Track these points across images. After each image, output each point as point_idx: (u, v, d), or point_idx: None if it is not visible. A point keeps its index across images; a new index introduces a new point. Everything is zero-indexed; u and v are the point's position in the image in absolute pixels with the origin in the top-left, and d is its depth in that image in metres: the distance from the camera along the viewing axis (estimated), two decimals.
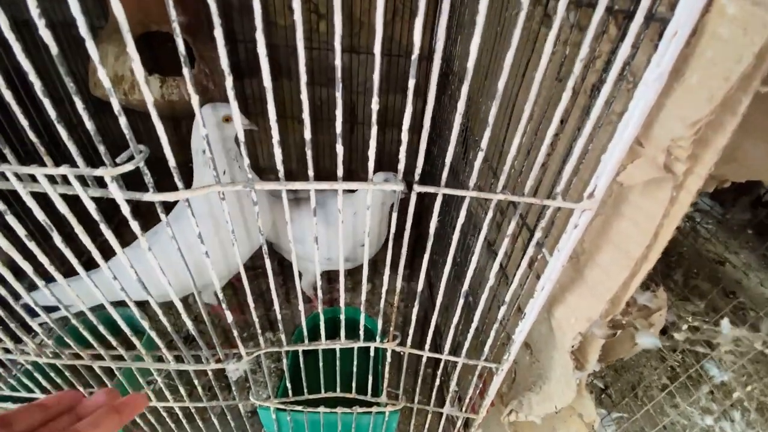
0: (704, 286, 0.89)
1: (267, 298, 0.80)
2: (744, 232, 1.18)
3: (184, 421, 0.49)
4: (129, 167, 0.22)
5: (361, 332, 0.40)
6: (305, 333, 0.39)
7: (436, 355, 0.41)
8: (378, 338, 0.41)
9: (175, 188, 0.25)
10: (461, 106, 0.23)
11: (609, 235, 0.30)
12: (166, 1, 0.19)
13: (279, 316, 0.36)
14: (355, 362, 0.43)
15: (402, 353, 0.42)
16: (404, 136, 0.25)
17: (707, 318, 0.45)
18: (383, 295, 0.35)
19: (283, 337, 0.40)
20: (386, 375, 0.44)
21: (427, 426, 0.50)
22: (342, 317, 0.38)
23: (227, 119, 0.64)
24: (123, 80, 0.75)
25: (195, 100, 0.23)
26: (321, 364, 0.43)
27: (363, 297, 0.37)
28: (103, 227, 0.25)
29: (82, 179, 0.23)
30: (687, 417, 0.63)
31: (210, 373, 0.43)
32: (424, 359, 0.42)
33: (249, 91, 1.03)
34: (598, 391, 0.63)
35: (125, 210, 0.24)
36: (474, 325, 0.38)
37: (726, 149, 0.31)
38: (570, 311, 0.34)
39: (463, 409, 0.47)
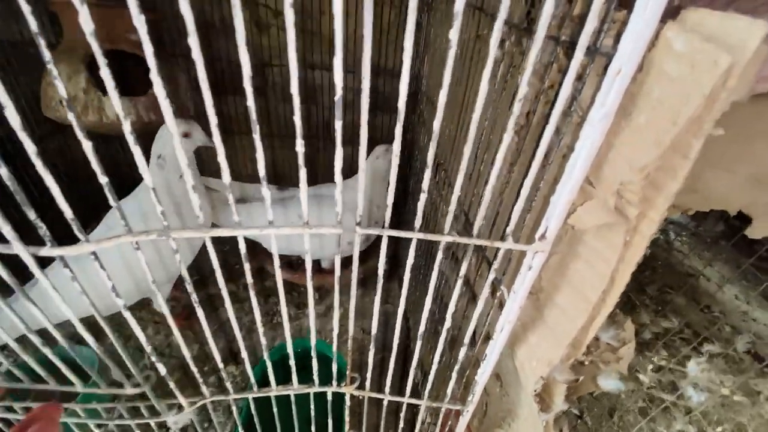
0: (679, 300, 0.89)
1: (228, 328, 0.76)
2: (717, 244, 1.19)
3: None
4: None
5: (315, 378, 0.37)
6: (253, 381, 0.36)
7: (398, 399, 0.39)
8: (335, 382, 0.38)
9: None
10: (427, 173, 0.21)
11: (566, 275, 0.28)
12: (133, 17, 0.16)
13: (244, 353, 0.33)
14: (312, 407, 0.40)
15: (361, 397, 0.39)
16: (361, 184, 0.22)
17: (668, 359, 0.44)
18: (350, 334, 0.32)
19: (229, 385, 0.36)
20: (347, 419, 0.41)
21: None
22: (292, 359, 0.35)
23: (186, 134, 0.68)
24: (75, 101, 0.71)
25: (170, 117, 0.20)
26: (275, 410, 0.40)
27: (335, 333, 0.34)
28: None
29: None
30: None
31: (154, 426, 0.39)
32: (385, 402, 0.39)
33: (226, 108, 1.00)
34: (574, 418, 0.61)
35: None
36: (434, 368, 0.35)
37: (687, 180, 0.30)
38: (531, 352, 0.32)
39: None
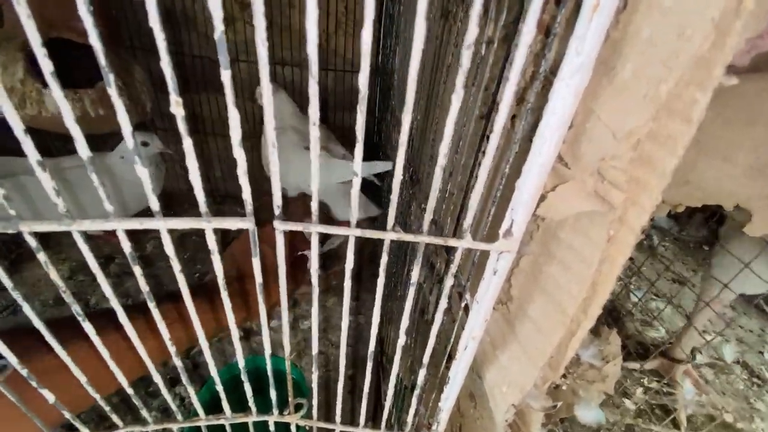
0: (666, 309, 0.85)
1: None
2: (701, 249, 1.17)
3: None
4: None
5: (252, 404, 0.32)
6: (198, 407, 0.30)
7: (351, 429, 0.33)
8: (276, 410, 0.32)
9: None
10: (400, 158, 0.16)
11: (540, 280, 0.23)
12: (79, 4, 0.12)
13: (182, 372, 0.27)
14: None
15: (308, 428, 0.33)
16: (241, 163, 0.17)
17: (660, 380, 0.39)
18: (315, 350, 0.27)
19: (146, 413, 0.30)
20: None
21: None
22: (219, 388, 0.29)
23: (144, 144, 0.74)
24: (12, 93, 0.64)
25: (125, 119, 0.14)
26: None
27: (287, 350, 0.29)
28: None
29: None
30: None
31: None
32: (337, 430, 0.33)
33: (198, 108, 0.93)
34: None
35: None
36: (390, 392, 0.30)
37: (678, 170, 0.25)
38: (502, 376, 0.27)
39: None
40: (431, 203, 0.19)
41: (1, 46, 0.64)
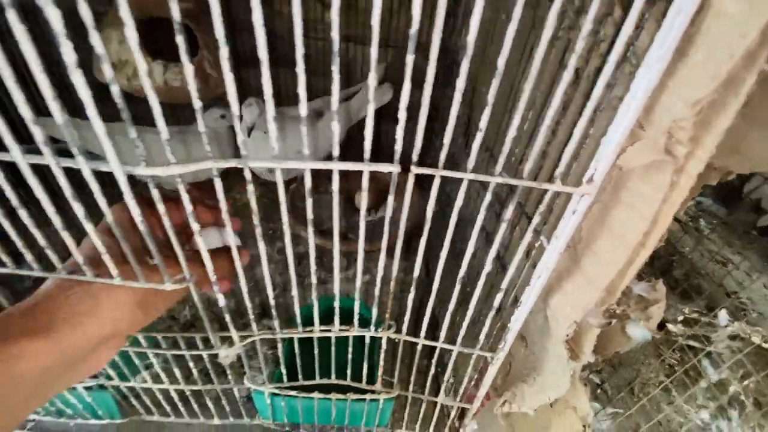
0: (706, 285, 0.88)
1: (261, 285, 0.79)
2: (749, 233, 1.17)
3: (179, 404, 0.49)
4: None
5: (356, 320, 0.40)
6: (299, 320, 0.39)
7: (432, 343, 0.41)
8: (373, 327, 0.41)
9: None
10: (461, 82, 0.23)
11: (607, 222, 0.29)
12: None
13: (272, 302, 0.36)
14: (350, 350, 0.43)
15: (397, 341, 0.42)
16: (402, 114, 0.24)
17: (705, 311, 0.45)
18: (378, 283, 0.35)
19: (276, 323, 0.39)
20: (381, 363, 0.44)
21: (421, 415, 0.50)
22: (336, 304, 0.38)
23: (223, 116, 0.83)
24: (126, 65, 0.75)
25: (193, 89, 0.23)
26: (316, 351, 0.43)
27: (358, 282, 0.37)
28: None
29: None
30: (683, 414, 0.62)
31: (206, 357, 0.43)
32: (419, 347, 0.42)
33: (253, 81, 1.02)
34: (594, 387, 0.62)
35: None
36: (470, 313, 0.37)
37: (730, 140, 0.31)
38: (566, 300, 0.34)
39: (458, 398, 0.47)
40: (535, 149, 0.26)
41: (117, 23, 0.74)
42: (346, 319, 0.39)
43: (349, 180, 1.00)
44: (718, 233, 1.13)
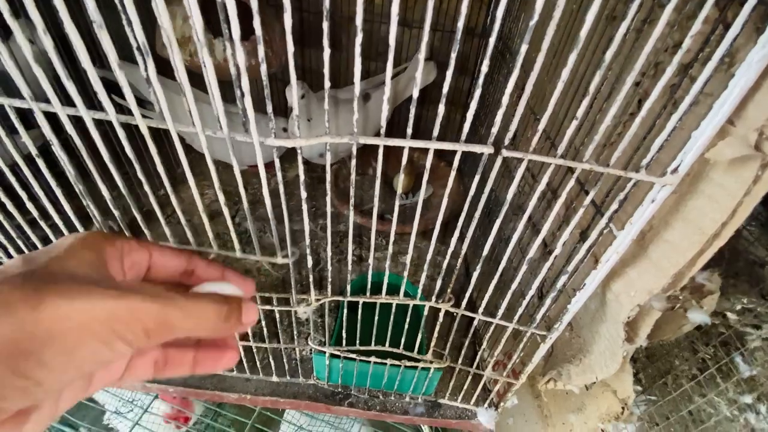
0: (743, 286, 0.88)
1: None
2: None
3: (243, 360, 0.54)
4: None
5: (419, 291, 0.43)
6: (367, 284, 0.43)
7: (489, 319, 0.44)
8: (434, 298, 0.44)
9: None
10: (534, 73, 0.25)
11: (682, 211, 0.31)
12: None
13: (350, 266, 0.39)
14: (408, 320, 0.46)
15: (455, 314, 0.45)
16: (505, 99, 0.26)
17: (757, 301, 0.46)
18: (428, 258, 0.38)
19: (348, 287, 0.43)
20: (435, 334, 0.47)
21: (465, 387, 0.54)
22: (386, 279, 0.40)
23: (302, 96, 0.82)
24: (190, 42, 0.78)
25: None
26: (377, 318, 0.46)
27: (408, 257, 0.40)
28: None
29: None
30: (713, 406, 0.64)
31: (277, 314, 0.47)
32: (476, 322, 0.45)
33: (308, 62, 1.04)
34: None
35: (257, 146, 0.27)
36: (531, 292, 0.40)
37: None
38: (630, 285, 0.36)
39: (505, 374, 0.50)
40: (626, 139, 0.28)
41: (181, 0, 0.77)
42: (392, 294, 0.43)
43: (387, 163, 1.02)
44: (758, 236, 1.12)
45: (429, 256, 0.38)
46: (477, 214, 0.34)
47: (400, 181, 0.40)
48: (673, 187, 0.29)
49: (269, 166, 0.31)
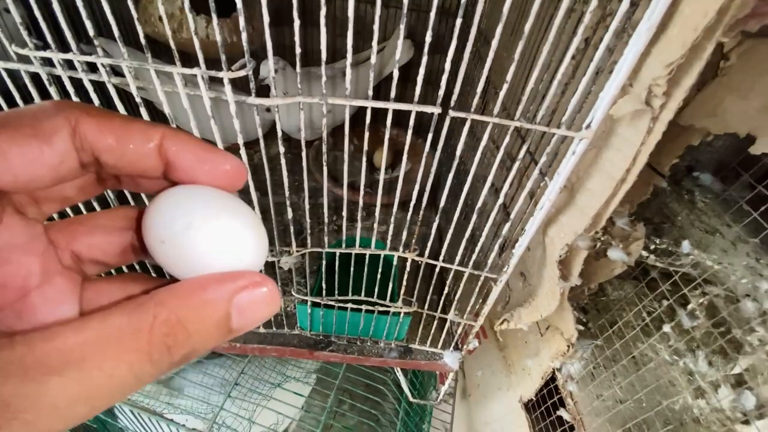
0: (713, 258, 0.97)
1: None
2: (740, 207, 1.24)
3: None
4: (243, 73, 0.30)
5: (389, 242, 0.49)
6: (344, 240, 0.48)
7: (448, 265, 0.50)
8: (401, 248, 0.50)
9: None
10: (494, 43, 0.30)
11: (599, 163, 0.37)
12: None
13: (326, 220, 0.45)
14: (380, 271, 0.52)
15: (420, 263, 0.51)
16: (448, 64, 0.32)
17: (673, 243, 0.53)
18: (393, 213, 0.43)
19: (326, 238, 0.48)
20: (404, 283, 0.53)
21: (432, 332, 0.60)
22: (357, 234, 0.46)
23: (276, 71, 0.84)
24: (172, 18, 0.80)
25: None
26: (352, 269, 0.52)
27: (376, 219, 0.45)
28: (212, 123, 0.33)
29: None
30: (655, 352, 0.73)
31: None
32: (437, 269, 0.51)
33: (288, 40, 1.07)
34: (582, 324, 0.72)
35: (232, 109, 0.32)
36: (482, 239, 0.46)
37: (708, 106, 0.38)
38: (561, 228, 0.42)
39: (465, 316, 0.56)
40: (546, 102, 0.33)
41: None
42: (372, 257, 0.49)
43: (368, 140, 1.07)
44: (711, 207, 1.21)
45: (393, 221, 0.43)
46: (433, 169, 0.40)
47: (384, 157, 0.44)
48: (589, 141, 0.35)
49: (253, 143, 0.35)
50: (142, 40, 0.30)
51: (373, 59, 0.31)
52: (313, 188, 1.03)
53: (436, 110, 0.35)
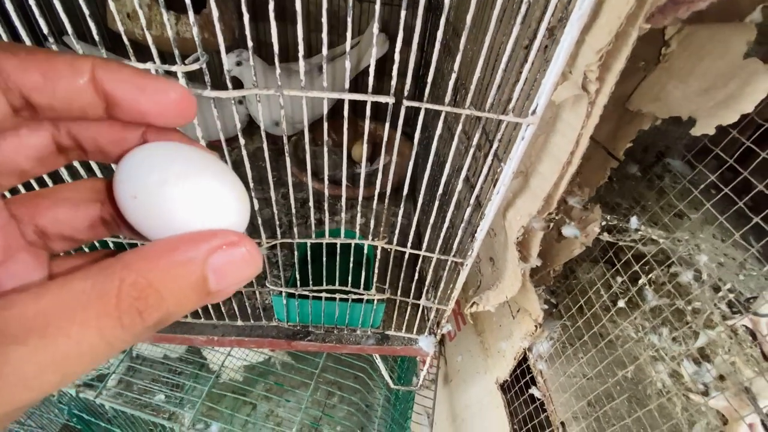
0: (659, 232, 1.01)
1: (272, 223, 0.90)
2: (708, 192, 1.28)
3: (210, 308, 0.60)
4: (196, 66, 0.31)
5: (357, 230, 0.51)
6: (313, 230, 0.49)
7: (416, 252, 0.52)
8: (370, 236, 0.51)
9: None
10: (440, 34, 0.32)
11: (548, 148, 0.39)
12: None
13: (293, 210, 0.46)
14: (351, 260, 0.53)
15: (396, 253, 0.52)
16: (396, 55, 0.33)
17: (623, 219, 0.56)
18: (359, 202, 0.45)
19: (296, 229, 0.50)
20: (376, 271, 0.55)
21: (406, 318, 0.62)
22: (326, 225, 0.48)
23: (238, 63, 0.84)
24: (136, 17, 0.80)
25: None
26: (324, 259, 0.54)
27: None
28: None
29: None
30: (622, 330, 0.76)
31: None
32: (407, 255, 0.53)
33: (262, 36, 1.07)
34: (551, 307, 0.75)
35: None
36: (446, 225, 0.48)
37: (653, 91, 0.41)
38: (518, 211, 0.44)
39: (436, 301, 0.58)
40: (493, 90, 0.35)
41: None
42: (345, 247, 0.50)
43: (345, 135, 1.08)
44: (681, 191, 1.25)
45: (360, 209, 0.45)
46: (396, 144, 0.41)
47: (364, 151, 0.46)
48: (536, 126, 0.36)
49: (233, 140, 0.36)
50: (96, 36, 0.31)
51: (348, 50, 0.32)
52: (294, 183, 1.04)
53: (390, 100, 0.36)
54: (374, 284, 0.57)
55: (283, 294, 0.57)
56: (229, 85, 0.34)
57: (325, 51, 0.33)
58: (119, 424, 0.83)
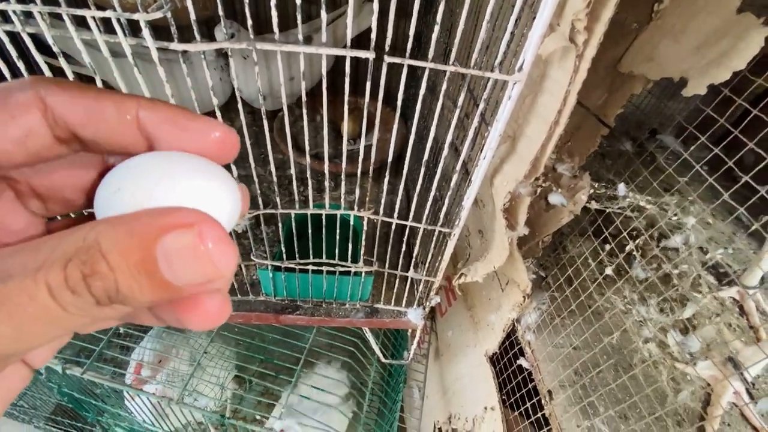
0: (646, 199, 1.01)
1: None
2: (701, 169, 1.28)
3: None
4: (159, 15, 0.29)
5: (342, 200, 0.49)
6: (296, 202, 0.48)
7: (403, 222, 0.51)
8: (356, 207, 0.50)
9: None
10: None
11: (535, 108, 0.38)
12: None
13: (275, 178, 0.44)
14: (338, 232, 0.52)
15: (376, 222, 0.52)
16: (375, 6, 0.31)
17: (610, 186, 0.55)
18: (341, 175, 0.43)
19: (278, 198, 0.48)
20: (362, 243, 0.54)
21: (395, 291, 0.62)
22: (310, 200, 0.47)
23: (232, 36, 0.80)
24: None
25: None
26: (310, 230, 0.53)
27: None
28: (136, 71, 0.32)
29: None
30: (610, 302, 0.76)
31: None
32: (393, 226, 0.52)
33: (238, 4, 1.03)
34: (540, 279, 0.75)
35: (155, 55, 0.31)
36: (432, 194, 0.47)
37: (646, 51, 0.39)
38: (504, 177, 0.43)
39: (424, 273, 0.58)
40: (477, 45, 0.34)
41: None
42: (332, 223, 0.49)
43: (335, 110, 1.06)
44: (672, 167, 1.25)
45: (345, 178, 0.43)
46: (379, 110, 0.40)
47: (345, 123, 0.44)
48: (522, 84, 0.35)
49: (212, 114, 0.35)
50: None
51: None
52: (281, 160, 1.02)
53: (370, 55, 0.34)
54: (362, 257, 0.56)
55: (269, 267, 0.56)
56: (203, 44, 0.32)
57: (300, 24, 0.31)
58: (111, 402, 0.83)
